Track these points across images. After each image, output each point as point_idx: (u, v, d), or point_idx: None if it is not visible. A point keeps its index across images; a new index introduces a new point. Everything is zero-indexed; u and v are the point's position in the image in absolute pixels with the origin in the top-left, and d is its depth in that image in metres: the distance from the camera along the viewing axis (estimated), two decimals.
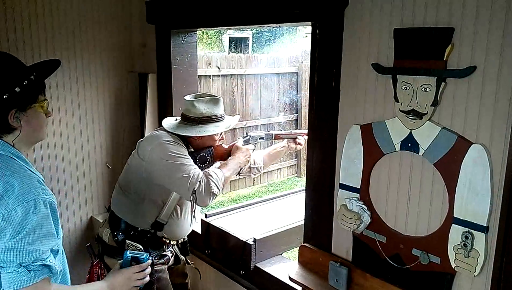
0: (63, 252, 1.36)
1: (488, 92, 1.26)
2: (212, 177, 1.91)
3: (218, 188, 1.92)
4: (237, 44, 12.33)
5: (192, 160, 1.96)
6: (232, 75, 6.46)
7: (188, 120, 2.06)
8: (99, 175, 2.85)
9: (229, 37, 12.28)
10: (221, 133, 2.12)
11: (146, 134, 2.59)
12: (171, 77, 2.63)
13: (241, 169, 2.25)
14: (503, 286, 1.29)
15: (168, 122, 2.12)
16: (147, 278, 1.58)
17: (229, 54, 9.17)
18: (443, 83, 1.34)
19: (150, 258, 1.62)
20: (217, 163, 2.17)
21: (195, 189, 1.86)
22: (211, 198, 1.92)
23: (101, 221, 2.35)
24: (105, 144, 2.84)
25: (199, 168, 1.96)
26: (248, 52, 11.70)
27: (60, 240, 1.32)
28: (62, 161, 2.68)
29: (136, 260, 1.56)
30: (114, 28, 2.75)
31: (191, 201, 1.93)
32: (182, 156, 1.94)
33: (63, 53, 2.56)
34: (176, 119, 2.15)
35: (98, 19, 2.67)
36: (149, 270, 1.58)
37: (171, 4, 2.48)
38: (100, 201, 2.87)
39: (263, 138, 2.31)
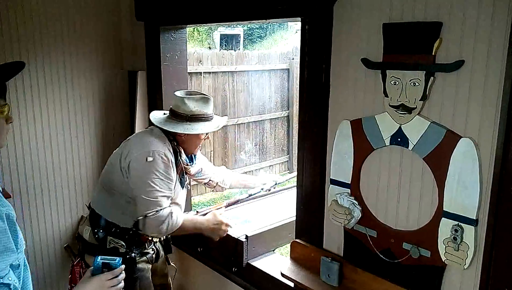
0: (27, 265, 1.24)
1: (477, 86, 1.27)
2: (171, 218, 1.94)
3: (167, 229, 1.95)
4: (228, 41, 12.28)
5: (172, 185, 1.98)
6: (223, 72, 6.44)
7: (177, 116, 2.05)
8: (89, 174, 2.82)
9: (220, 34, 12.22)
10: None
11: (136, 132, 2.57)
12: (161, 75, 2.61)
13: (209, 180, 2.39)
14: (493, 278, 1.29)
15: (156, 116, 2.11)
16: (122, 284, 1.48)
17: (220, 51, 9.13)
18: (432, 78, 1.35)
19: (135, 255, 1.57)
20: (192, 213, 2.32)
21: (147, 214, 1.90)
22: (155, 232, 1.97)
23: None
24: (94, 143, 2.82)
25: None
26: (239, 49, 11.66)
27: (22, 253, 1.19)
28: (52, 160, 2.65)
29: (107, 267, 1.45)
30: (103, 25, 2.72)
31: (134, 221, 1.96)
32: (165, 178, 1.95)
33: (51, 51, 2.53)
34: (164, 114, 2.15)
35: (86, 16, 2.64)
36: (122, 275, 1.48)
37: (160, 0, 2.46)
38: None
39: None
